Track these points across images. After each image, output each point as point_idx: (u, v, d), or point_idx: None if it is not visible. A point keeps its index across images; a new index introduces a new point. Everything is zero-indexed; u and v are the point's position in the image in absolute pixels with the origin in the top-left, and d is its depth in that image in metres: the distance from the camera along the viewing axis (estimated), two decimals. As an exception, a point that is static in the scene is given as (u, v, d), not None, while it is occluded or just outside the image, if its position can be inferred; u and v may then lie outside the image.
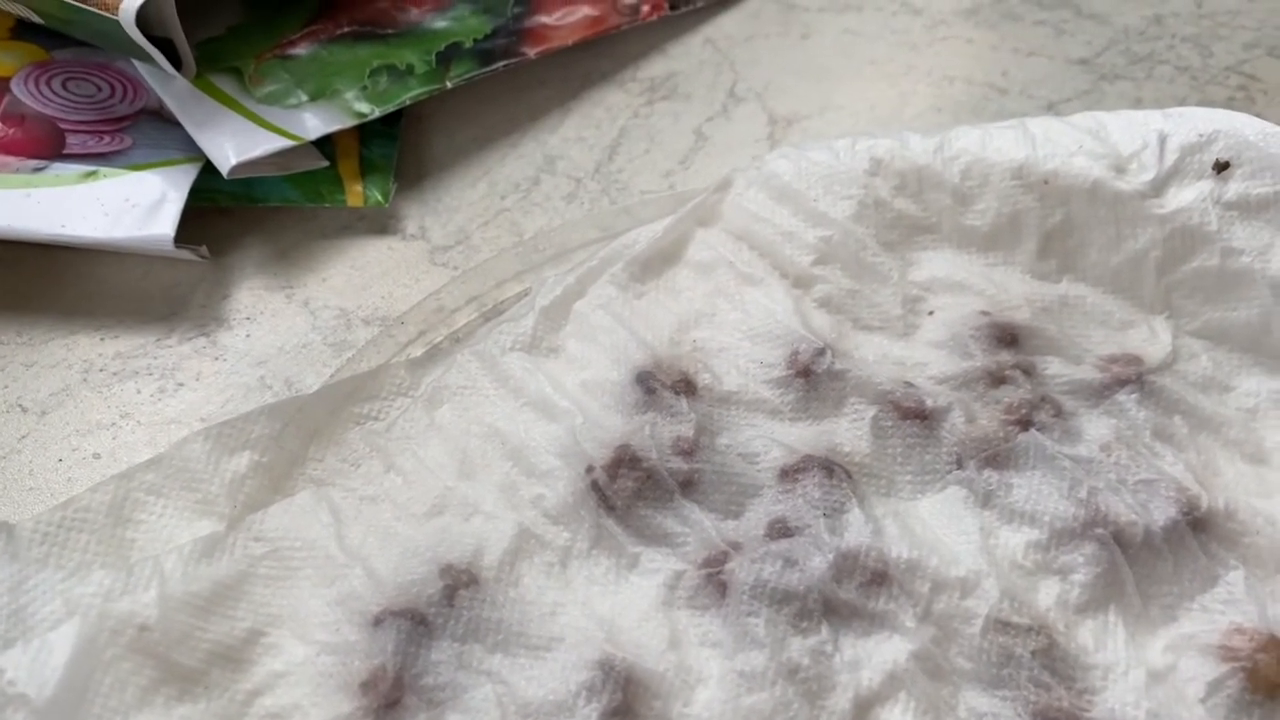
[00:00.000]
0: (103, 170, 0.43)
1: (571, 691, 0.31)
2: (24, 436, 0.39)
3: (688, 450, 0.36)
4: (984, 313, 0.39)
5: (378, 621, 0.32)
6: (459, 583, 0.33)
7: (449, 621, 0.33)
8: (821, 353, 0.38)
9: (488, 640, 0.33)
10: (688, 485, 0.35)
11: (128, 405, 0.40)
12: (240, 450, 0.36)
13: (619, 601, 0.34)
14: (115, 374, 0.41)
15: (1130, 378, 0.37)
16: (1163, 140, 0.40)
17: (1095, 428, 0.37)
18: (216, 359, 0.41)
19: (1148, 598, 0.34)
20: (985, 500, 0.35)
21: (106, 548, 0.34)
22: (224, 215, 0.45)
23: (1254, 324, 0.38)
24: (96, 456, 0.39)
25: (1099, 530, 0.34)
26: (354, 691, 0.31)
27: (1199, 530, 0.34)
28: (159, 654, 0.31)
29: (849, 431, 0.37)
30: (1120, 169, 0.40)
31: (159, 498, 0.35)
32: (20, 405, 0.40)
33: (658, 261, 0.42)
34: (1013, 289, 0.40)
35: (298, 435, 0.37)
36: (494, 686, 0.32)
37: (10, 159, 0.43)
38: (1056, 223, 0.40)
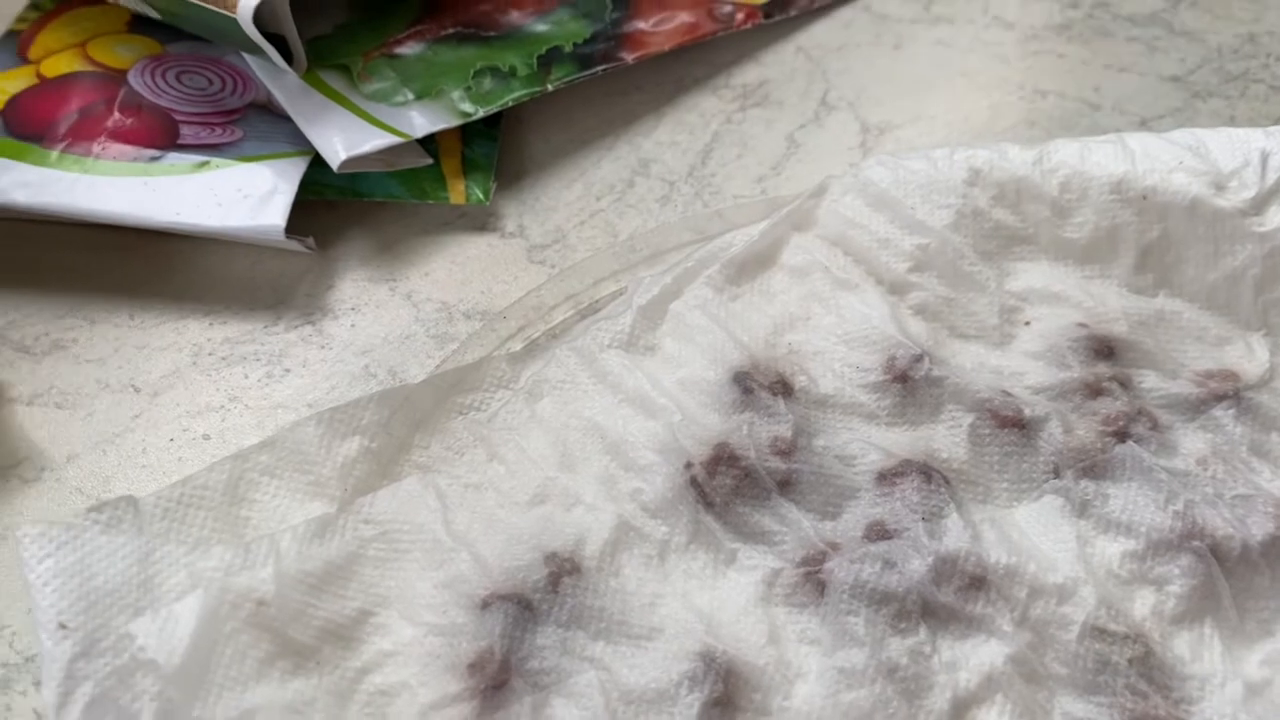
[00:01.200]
0: (215, 161, 0.44)
1: (673, 681, 0.32)
2: (136, 416, 0.41)
3: (785, 450, 0.37)
4: (1081, 324, 0.40)
5: (485, 605, 0.33)
6: (562, 570, 0.34)
7: (553, 608, 0.34)
8: (919, 359, 0.38)
9: (590, 628, 0.33)
10: (785, 485, 0.36)
11: (236, 389, 0.41)
12: (350, 435, 0.37)
13: (717, 596, 0.34)
14: (224, 359, 0.42)
15: (1227, 393, 0.38)
16: (1265, 158, 0.40)
17: (1191, 442, 0.37)
18: (322, 347, 0.42)
19: (1244, 611, 0.34)
20: (1082, 510, 0.36)
21: (223, 525, 0.35)
22: (330, 209, 0.46)
23: (1354, 342, 0.38)
24: (206, 438, 0.40)
25: (1195, 543, 0.34)
26: (461, 672, 0.32)
27: (1298, 547, 0.34)
28: (275, 629, 0.32)
29: (946, 438, 0.37)
30: (1220, 186, 0.40)
31: (272, 478, 0.36)
32: (133, 386, 0.42)
33: (753, 265, 0.43)
34: (1110, 302, 0.40)
35: (404, 423, 0.38)
36: (597, 673, 0.32)
37: (128, 148, 0.45)
38: (1154, 238, 0.40)
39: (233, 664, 0.31)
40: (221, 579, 0.32)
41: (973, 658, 0.33)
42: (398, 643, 0.33)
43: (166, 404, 0.41)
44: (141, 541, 0.33)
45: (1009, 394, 0.38)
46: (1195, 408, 0.38)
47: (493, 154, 0.47)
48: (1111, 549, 0.35)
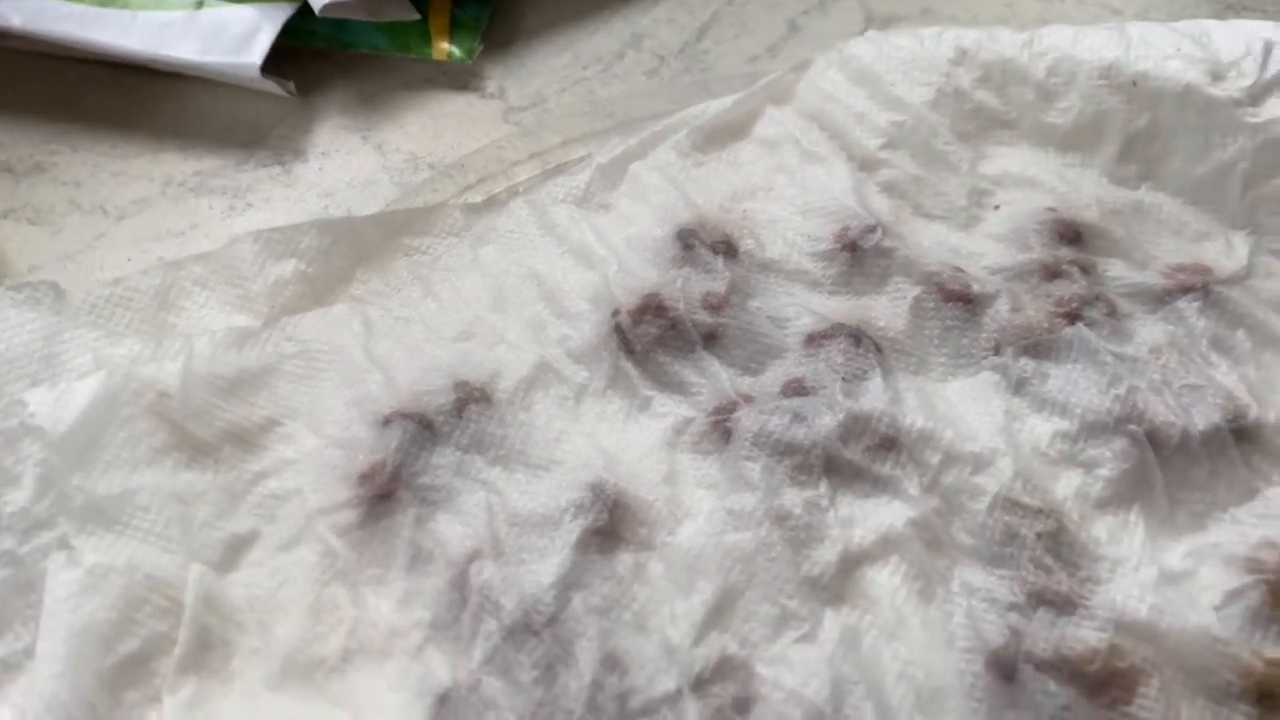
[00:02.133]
0: (208, 1, 0.45)
1: (560, 507, 0.31)
2: (100, 236, 0.42)
3: (716, 306, 0.35)
4: (1050, 209, 0.38)
5: (386, 422, 0.33)
6: (471, 397, 0.34)
7: (455, 431, 0.33)
8: (872, 229, 0.37)
9: (489, 453, 0.33)
10: (711, 339, 0.35)
11: (198, 218, 0.42)
12: (287, 257, 0.37)
13: (624, 438, 0.34)
14: (192, 189, 0.43)
15: (1195, 286, 0.35)
16: (1268, 49, 0.37)
17: (1149, 331, 0.35)
18: (288, 186, 0.43)
19: (1177, 502, 0.32)
20: (1018, 387, 0.34)
21: (147, 326, 0.35)
22: (316, 57, 0.46)
23: (1343, 246, 0.36)
24: (162, 259, 0.41)
25: (1132, 427, 0.32)
26: (353, 482, 0.32)
27: (1243, 441, 0.32)
28: (175, 421, 0.32)
29: (887, 308, 0.36)
30: (1217, 75, 0.37)
31: (204, 289, 0.36)
32: (102, 209, 0.42)
33: (723, 133, 0.41)
34: (1085, 190, 0.38)
35: (347, 255, 0.38)
36: (488, 494, 0.32)
37: (125, -17, 0.45)
38: (1141, 126, 0.38)
39: (125, 446, 0.32)
40: (127, 366, 0.33)
41: (872, 517, 0.31)
42: (300, 452, 0.33)
43: (130, 227, 0.42)
44: (53, 320, 0.33)
45: (961, 270, 0.36)
46: (1159, 299, 0.36)
47: (482, 17, 0.47)
48: (1042, 427, 0.33)
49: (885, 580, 0.30)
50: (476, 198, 0.41)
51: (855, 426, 0.32)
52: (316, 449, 0.33)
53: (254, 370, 0.34)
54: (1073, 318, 0.35)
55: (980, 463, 0.32)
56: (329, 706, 0.29)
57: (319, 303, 0.37)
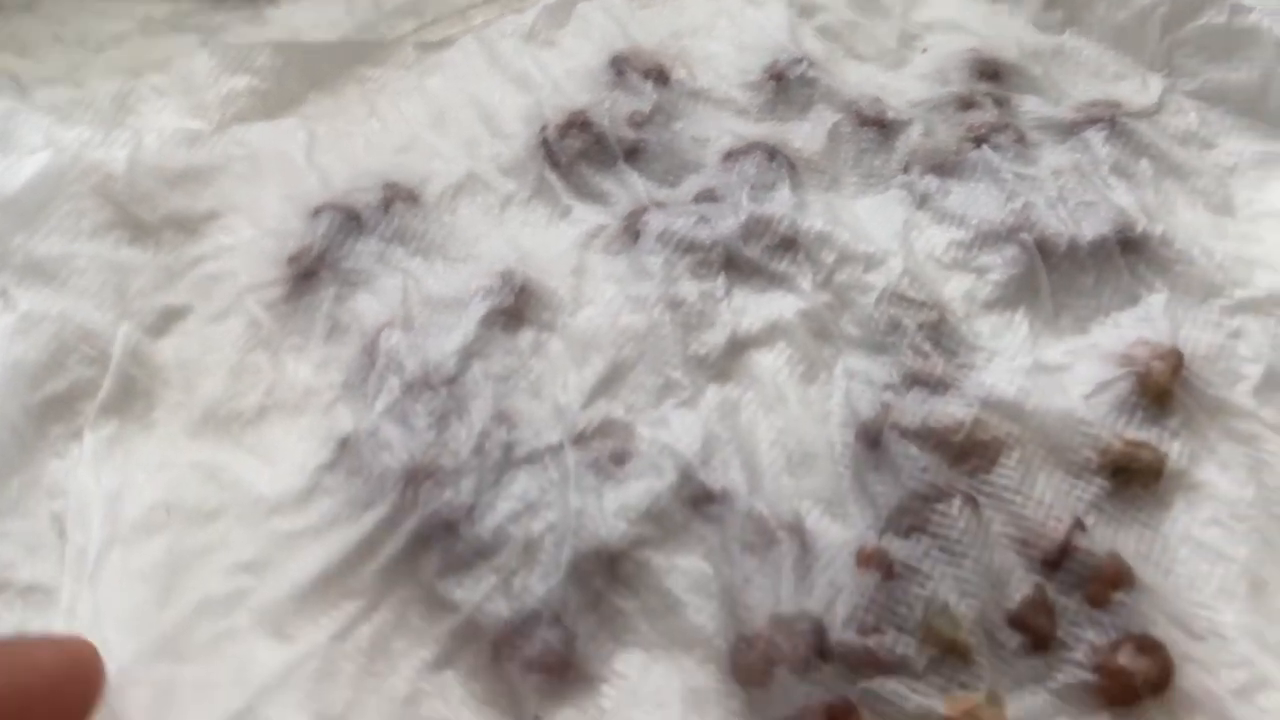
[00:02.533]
0: None
1: (470, 290, 0.33)
2: (79, 66, 0.44)
3: (639, 123, 0.37)
4: (973, 49, 0.39)
5: (317, 212, 0.35)
6: (398, 196, 0.36)
7: (380, 224, 0.35)
8: (799, 60, 0.38)
9: (410, 245, 0.35)
10: (632, 154, 0.37)
11: (173, 52, 0.44)
12: (241, 72, 0.39)
13: (542, 240, 0.35)
14: (169, 26, 0.45)
15: (1102, 117, 0.36)
16: (1194, -103, 0.38)
17: (1054, 157, 0.36)
18: (259, 26, 0.45)
19: (1062, 306, 0.33)
20: (921, 201, 0.35)
21: (102, 123, 0.37)
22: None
23: (1253, 85, 0.37)
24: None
25: (1024, 235, 0.33)
26: (281, 263, 0.34)
27: (1129, 251, 0.33)
28: (120, 203, 0.35)
29: (807, 132, 0.37)
30: (1143, -78, 0.38)
31: (161, 96, 0.39)
32: (83, 43, 0.44)
33: (672, -18, 0.43)
34: (1010, 33, 0.39)
35: (300, 78, 0.40)
36: (405, 279, 0.34)
37: None
38: (1068, -27, 0.39)
39: (68, 217, 0.34)
40: (77, 148, 0.35)
41: (764, 308, 0.33)
42: (237, 240, 0.35)
43: (108, 59, 0.44)
44: (11, 103, 0.35)
45: (879, 100, 0.37)
46: (1069, 130, 0.37)
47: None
48: (939, 236, 0.34)
49: (770, 362, 0.32)
50: (433, 37, 0.43)
51: (757, 227, 0.34)
52: (253, 238, 0.35)
53: (200, 167, 0.36)
54: (980, 142, 0.36)
55: (873, 262, 0.33)
56: (242, 453, 0.31)
57: (269, 117, 0.39)
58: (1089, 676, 0.26)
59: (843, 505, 0.29)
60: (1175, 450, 0.30)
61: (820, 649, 0.26)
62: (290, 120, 0.39)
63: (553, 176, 0.36)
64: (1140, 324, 0.32)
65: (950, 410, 0.30)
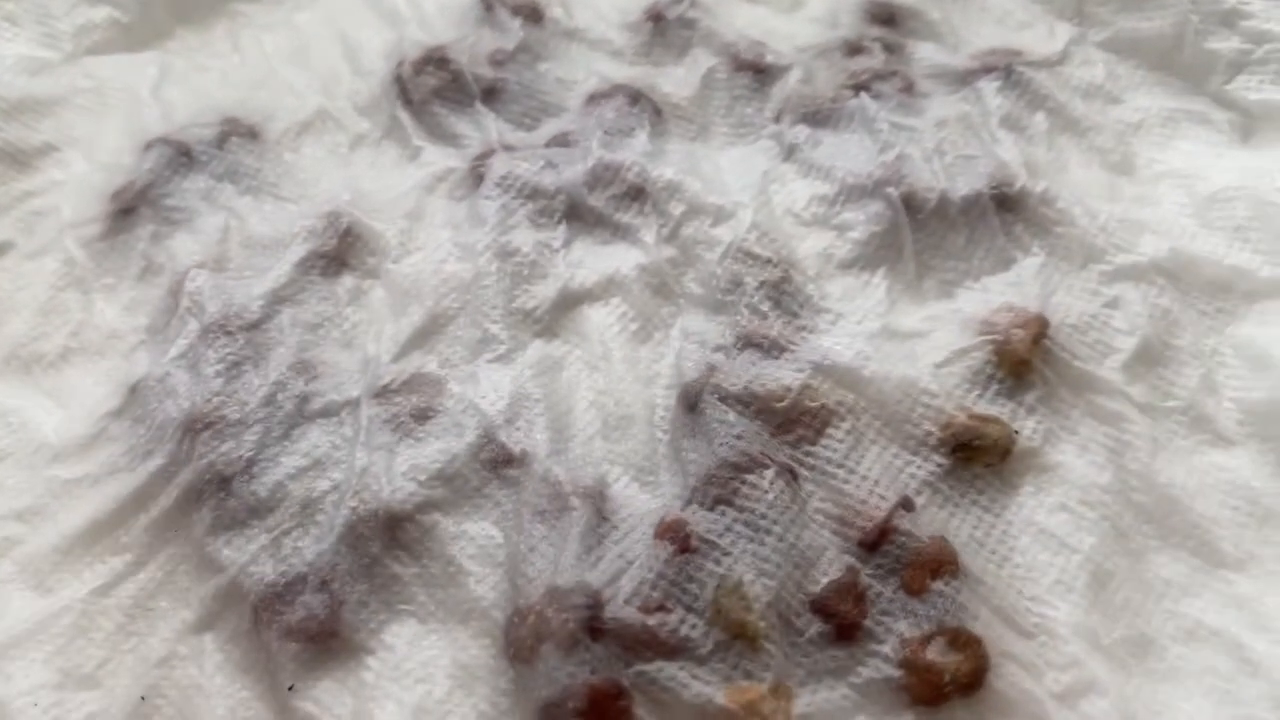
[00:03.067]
0: None
1: (293, 232, 0.31)
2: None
3: (501, 61, 0.35)
4: (871, -8, 0.36)
5: (148, 147, 0.33)
6: (236, 131, 0.34)
7: (212, 160, 0.33)
8: (680, 0, 0.36)
9: (241, 183, 0.33)
10: (491, 94, 0.34)
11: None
12: (101, 3, 0.37)
13: (385, 182, 0.33)
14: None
15: (998, 65, 0.33)
16: None
17: (942, 108, 0.33)
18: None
19: (928, 269, 0.30)
20: (789, 153, 0.33)
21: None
22: None
23: (1166, 37, 0.33)
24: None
25: (890, 190, 0.31)
26: (104, 199, 0.32)
27: (1006, 209, 0.30)
28: (-53, 132, 0.33)
29: (681, 77, 0.35)
30: None
31: (13, 25, 0.37)
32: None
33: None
34: (912, -25, 0.36)
35: (169, 11, 0.38)
36: (228, 218, 0.32)
37: None
38: (979, -87, 0.36)
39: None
40: (-98, 74, 0.33)
41: (603, 261, 0.30)
42: (70, 175, 0.34)
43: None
44: None
45: (760, 43, 0.35)
46: (963, 80, 0.34)
47: None
48: (802, 190, 0.32)
49: (601, 319, 0.30)
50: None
51: (605, 175, 0.32)
52: (85, 173, 0.34)
53: (40, 98, 0.35)
54: (860, 90, 0.33)
55: (722, 215, 0.31)
56: (40, 396, 0.29)
57: (129, 50, 0.37)
58: (894, 672, 0.24)
59: (655, 473, 0.27)
60: (1029, 427, 0.27)
61: (593, 626, 0.24)
62: (148, 54, 0.37)
63: (404, 115, 0.34)
64: (1010, 289, 0.29)
65: (779, 375, 0.27)
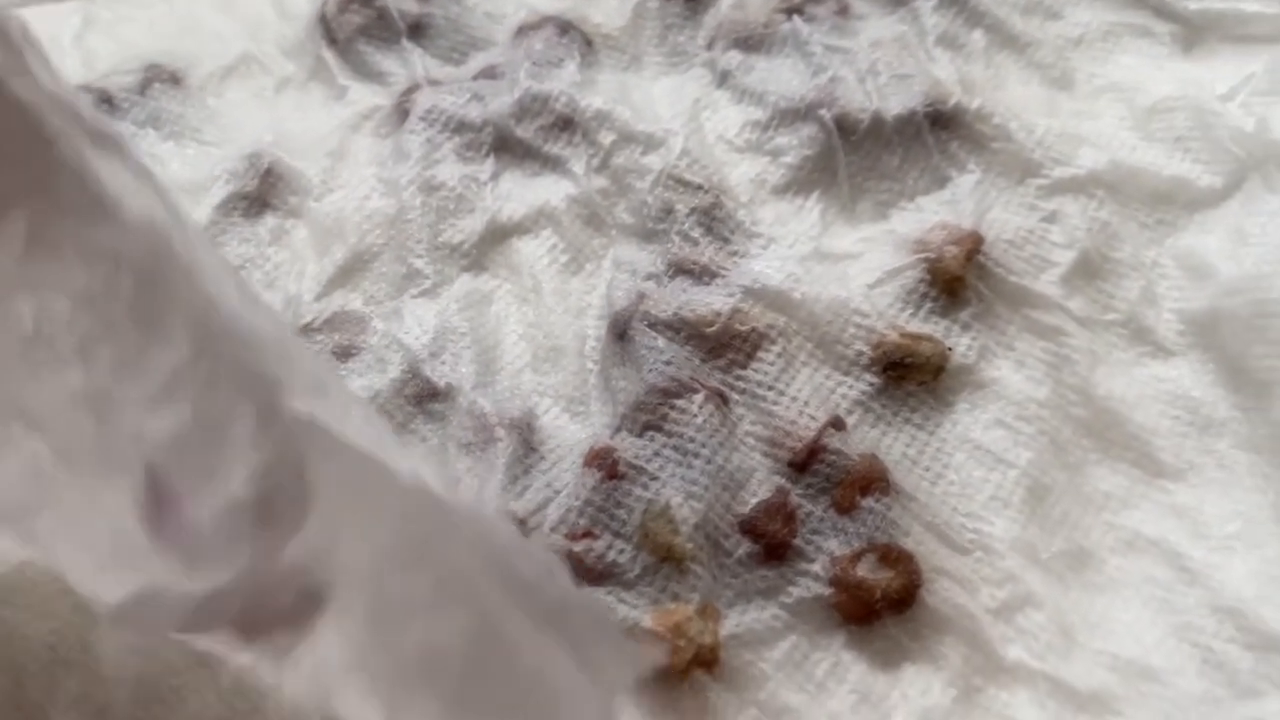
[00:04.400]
0: None
1: (213, 175, 0.30)
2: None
3: (427, -2, 0.34)
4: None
5: (65, 95, 0.32)
6: (158, 78, 0.33)
7: (134, 107, 0.32)
8: (612, -71, 0.35)
9: (165, 129, 0.32)
10: (416, 29, 0.34)
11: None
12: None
13: (310, 123, 0.33)
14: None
15: (936, -18, 0.33)
16: None
17: (876, 29, 0.32)
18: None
19: (862, 191, 0.30)
20: (721, 79, 0.32)
21: None
22: None
23: (1106, -52, 0.33)
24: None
25: (822, 112, 0.30)
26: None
27: (941, 127, 0.30)
28: None
29: (611, 7, 0.34)
30: None
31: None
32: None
33: None
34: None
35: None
36: (150, 162, 0.31)
37: None
38: None
39: None
40: None
41: (532, 193, 0.30)
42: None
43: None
44: None
45: (694, -30, 0.34)
46: (901, 1, 0.33)
47: None
48: (734, 116, 0.31)
49: (531, 251, 0.29)
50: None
51: (532, 106, 0.31)
52: None
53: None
54: (793, 13, 0.32)
55: (653, 143, 0.30)
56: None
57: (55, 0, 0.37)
58: (824, 590, 0.23)
59: (585, 404, 0.26)
60: (964, 344, 0.27)
61: (516, 555, 0.23)
62: (72, 4, 0.36)
63: (329, 55, 0.33)
64: (945, 208, 0.29)
65: (709, 300, 0.27)
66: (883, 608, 0.23)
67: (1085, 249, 0.28)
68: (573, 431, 0.26)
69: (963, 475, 0.25)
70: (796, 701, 0.22)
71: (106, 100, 0.32)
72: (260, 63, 0.34)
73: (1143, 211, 0.29)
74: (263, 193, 0.30)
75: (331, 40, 0.34)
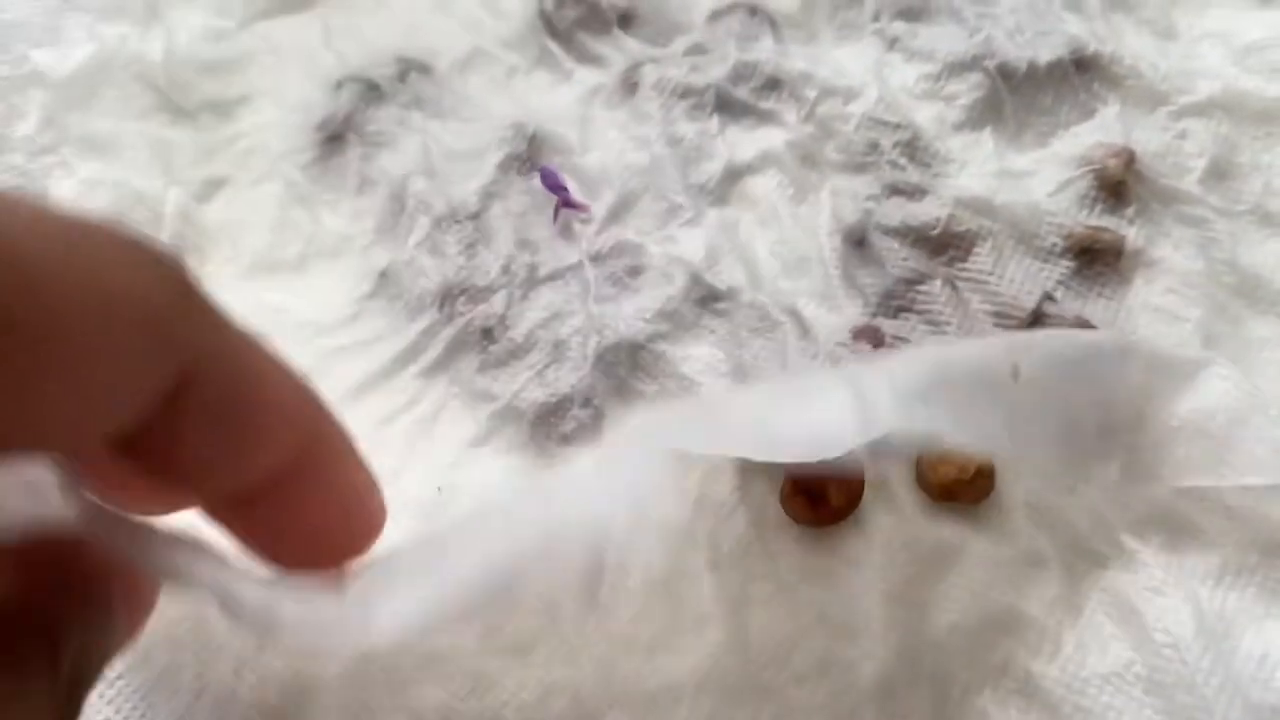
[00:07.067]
0: None
1: (486, 142, 0.36)
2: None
3: (629, -8, 0.40)
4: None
5: (339, 85, 0.38)
6: (412, 67, 0.39)
7: (398, 93, 0.38)
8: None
9: (428, 109, 0.38)
10: (625, 19, 0.40)
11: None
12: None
13: (548, 101, 0.39)
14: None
15: (1054, -41, 0.40)
16: None
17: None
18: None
19: (1025, 125, 0.36)
20: (891, 44, 0.38)
21: (139, 24, 0.40)
22: None
23: (1191, -76, 0.40)
24: None
25: (986, 63, 0.37)
26: (309, 131, 0.37)
27: (1083, 70, 0.37)
28: (160, 89, 0.38)
29: (786, -3, 0.41)
30: None
31: (186, 1, 0.42)
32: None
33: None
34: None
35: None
36: (424, 138, 0.37)
37: None
38: None
39: (116, 101, 0.37)
40: (118, 43, 0.38)
41: (755, 141, 0.36)
42: (268, 119, 0.38)
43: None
44: (53, 1, 0.39)
45: (851, -41, 0.41)
46: (1025, -23, 0.40)
47: None
48: (910, 71, 0.38)
49: (763, 186, 0.35)
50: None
51: (744, 71, 0.37)
52: (281, 115, 0.38)
53: (228, 58, 0.40)
54: (943, -12, 0.39)
55: (851, 94, 0.37)
56: (289, 292, 0.34)
57: (289, 15, 0.42)
58: (1063, 419, 0.30)
59: (835, 299, 0.33)
60: (1132, 234, 0.33)
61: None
62: (304, 16, 0.42)
63: (553, 45, 0.40)
64: (1096, 132, 0.36)
65: (927, 209, 0.33)
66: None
67: (1214, 156, 0.35)
68: (831, 319, 0.32)
69: (1151, 330, 0.32)
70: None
71: (374, 88, 0.38)
72: (488, 55, 0.40)
73: (1253, 127, 0.36)
74: (532, 154, 0.36)
75: (553, 33, 0.40)
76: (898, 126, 0.36)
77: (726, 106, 0.37)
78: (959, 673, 0.26)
